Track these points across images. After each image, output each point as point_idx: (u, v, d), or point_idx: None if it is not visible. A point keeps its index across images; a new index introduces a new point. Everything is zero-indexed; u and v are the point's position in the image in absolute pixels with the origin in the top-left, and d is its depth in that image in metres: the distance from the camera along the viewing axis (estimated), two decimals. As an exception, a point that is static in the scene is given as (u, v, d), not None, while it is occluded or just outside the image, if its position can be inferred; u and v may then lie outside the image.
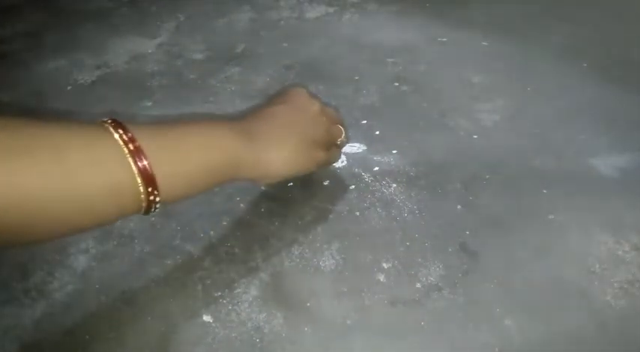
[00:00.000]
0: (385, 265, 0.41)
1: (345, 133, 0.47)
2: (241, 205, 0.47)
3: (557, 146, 0.52)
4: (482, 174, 0.49)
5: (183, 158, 0.34)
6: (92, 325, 0.38)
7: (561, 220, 0.44)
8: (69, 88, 0.64)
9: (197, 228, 0.45)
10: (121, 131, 0.30)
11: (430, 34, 0.70)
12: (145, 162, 0.30)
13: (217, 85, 0.63)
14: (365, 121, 0.55)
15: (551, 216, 0.45)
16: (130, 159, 0.29)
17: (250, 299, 0.39)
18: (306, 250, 0.43)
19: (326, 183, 0.48)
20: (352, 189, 0.48)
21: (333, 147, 0.46)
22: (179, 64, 0.68)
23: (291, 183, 0.48)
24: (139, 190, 0.30)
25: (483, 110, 0.57)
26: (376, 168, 0.50)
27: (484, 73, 0.62)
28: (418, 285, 0.40)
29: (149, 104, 0.60)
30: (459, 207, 0.46)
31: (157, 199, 0.32)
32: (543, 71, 0.62)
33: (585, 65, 0.63)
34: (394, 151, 0.52)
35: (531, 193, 0.47)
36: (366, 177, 0.49)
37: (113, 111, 0.59)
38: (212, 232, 0.45)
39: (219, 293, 0.40)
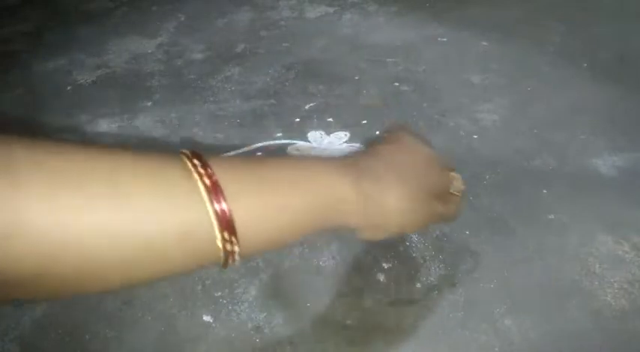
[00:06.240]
0: (385, 265, 0.41)
1: (463, 181, 0.38)
2: (241, 205, 0.47)
3: (557, 146, 0.52)
4: (482, 174, 0.49)
5: (272, 200, 0.27)
6: (92, 325, 0.38)
7: (561, 220, 0.44)
8: (69, 88, 0.64)
9: (197, 228, 0.45)
10: (196, 162, 0.25)
11: (430, 34, 0.70)
12: (224, 205, 0.25)
13: (217, 85, 0.63)
14: (365, 121, 0.55)
15: (551, 216, 0.44)
16: (206, 198, 0.24)
17: (250, 299, 0.39)
18: (306, 250, 0.43)
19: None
20: (352, 189, 0.48)
21: (449, 198, 0.37)
22: (179, 64, 0.68)
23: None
24: (214, 236, 0.25)
25: (483, 110, 0.57)
26: (376, 168, 0.50)
27: (484, 73, 0.62)
28: (418, 285, 0.40)
29: (149, 104, 0.60)
30: (459, 207, 0.46)
31: (236, 249, 0.26)
32: (543, 71, 0.62)
33: (585, 65, 0.63)
34: (394, 151, 0.51)
35: (531, 193, 0.47)
36: (366, 177, 0.49)
37: (113, 111, 0.59)
38: (212, 232, 0.45)
39: (219, 293, 0.40)
